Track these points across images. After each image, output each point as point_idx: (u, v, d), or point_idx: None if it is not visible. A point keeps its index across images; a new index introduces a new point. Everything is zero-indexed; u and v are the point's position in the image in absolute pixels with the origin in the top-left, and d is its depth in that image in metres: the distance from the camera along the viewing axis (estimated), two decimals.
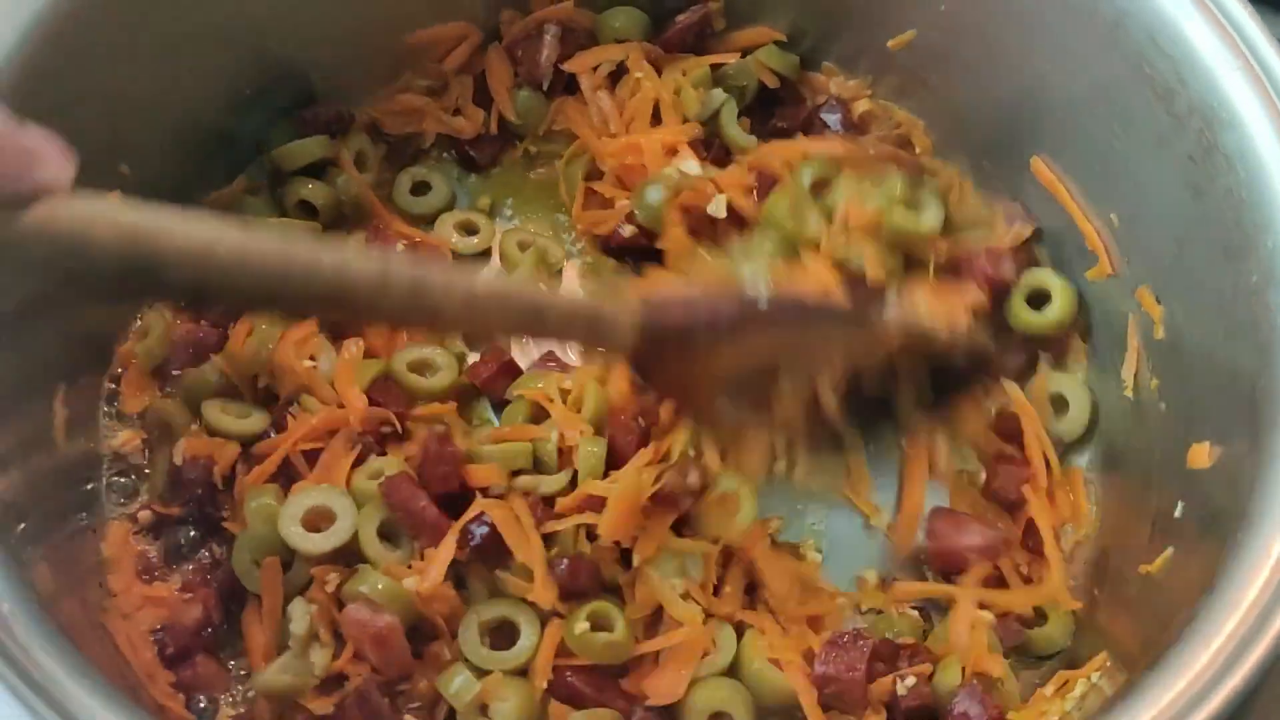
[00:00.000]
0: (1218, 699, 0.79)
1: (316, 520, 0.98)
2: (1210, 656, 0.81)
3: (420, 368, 1.09)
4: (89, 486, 1.04)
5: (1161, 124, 1.01)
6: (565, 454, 1.02)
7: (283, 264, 0.70)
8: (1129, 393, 1.10)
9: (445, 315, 0.78)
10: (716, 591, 1.01)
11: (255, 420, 1.06)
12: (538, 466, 1.02)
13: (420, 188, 1.23)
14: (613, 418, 1.03)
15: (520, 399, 1.06)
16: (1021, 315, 1.13)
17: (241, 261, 0.69)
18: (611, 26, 1.25)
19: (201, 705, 0.96)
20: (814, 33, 1.27)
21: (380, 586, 0.94)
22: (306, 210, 1.18)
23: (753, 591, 1.03)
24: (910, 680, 0.96)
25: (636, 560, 0.98)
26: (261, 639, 0.98)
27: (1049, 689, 0.96)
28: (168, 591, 1.00)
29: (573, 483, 1.00)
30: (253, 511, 0.99)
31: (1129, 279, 1.09)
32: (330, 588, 0.95)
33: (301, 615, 0.95)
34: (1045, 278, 1.14)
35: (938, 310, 0.96)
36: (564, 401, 1.04)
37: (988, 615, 1.02)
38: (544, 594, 0.95)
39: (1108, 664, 0.96)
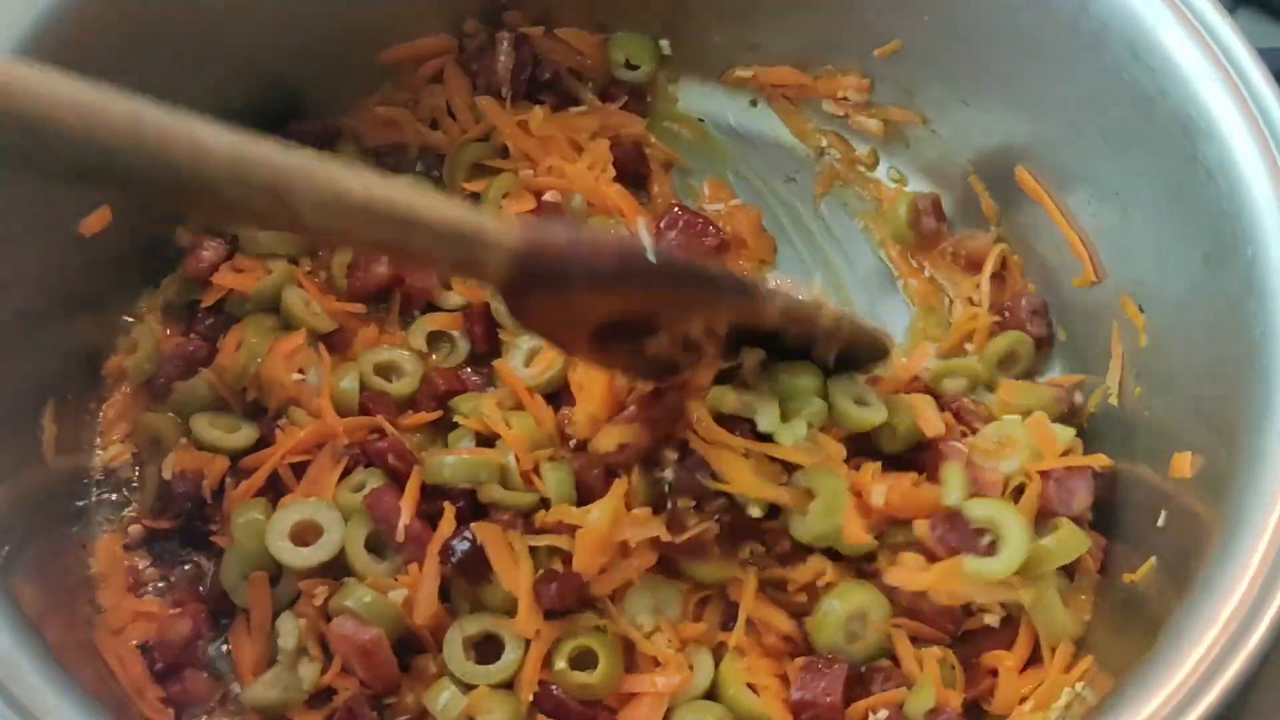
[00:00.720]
0: (1201, 708, 0.79)
1: (304, 534, 0.98)
2: (1192, 666, 0.81)
3: (386, 371, 1.09)
4: (79, 502, 1.05)
5: (1142, 133, 1.02)
6: (527, 475, 1.01)
7: (133, 130, 0.65)
8: (1114, 400, 1.10)
9: (306, 218, 0.71)
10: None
11: (244, 434, 1.06)
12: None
13: None
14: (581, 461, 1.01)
15: (462, 427, 1.05)
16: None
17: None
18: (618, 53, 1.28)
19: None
20: (805, 42, 1.28)
21: (367, 600, 0.95)
22: None
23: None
24: (882, 713, 0.95)
25: (599, 591, 0.97)
26: (250, 653, 0.98)
27: (1028, 705, 0.97)
28: (157, 606, 1.01)
29: (546, 503, 1.00)
30: (240, 527, 0.99)
31: (1113, 287, 1.10)
32: (318, 601, 0.96)
33: (290, 630, 0.96)
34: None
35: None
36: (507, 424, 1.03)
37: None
38: (527, 626, 0.94)
39: (1092, 672, 0.96)
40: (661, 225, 1.19)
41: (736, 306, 0.92)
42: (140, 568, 1.03)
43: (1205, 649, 0.81)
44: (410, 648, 0.98)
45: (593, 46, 1.29)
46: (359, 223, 0.74)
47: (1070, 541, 0.99)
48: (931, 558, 0.98)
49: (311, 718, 0.95)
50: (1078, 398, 1.12)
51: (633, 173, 1.25)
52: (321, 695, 0.96)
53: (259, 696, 0.95)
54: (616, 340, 0.90)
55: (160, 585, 1.02)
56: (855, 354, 1.02)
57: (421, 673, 0.97)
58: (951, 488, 0.99)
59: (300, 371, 1.08)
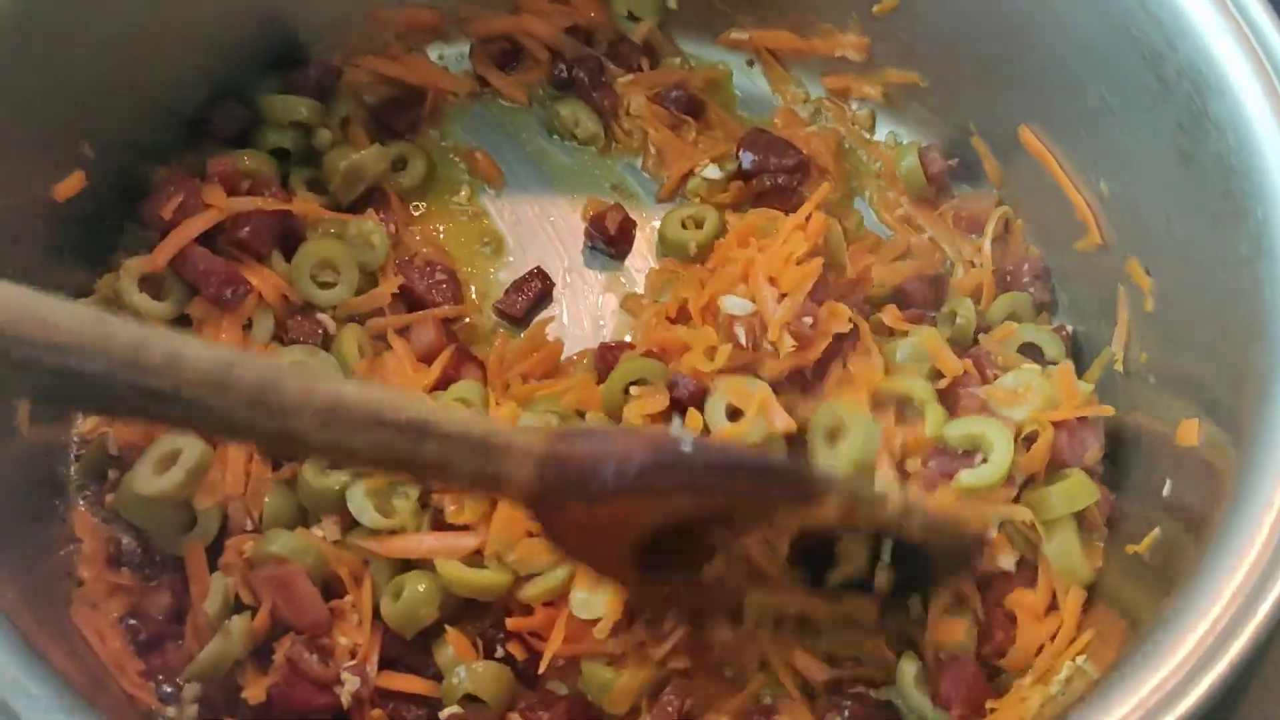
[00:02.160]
0: (1204, 683, 0.77)
1: (167, 465, 0.97)
2: (1197, 640, 0.79)
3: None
4: (56, 474, 1.03)
5: (1150, 89, 0.98)
6: None
7: (102, 346, 0.61)
8: (1119, 366, 1.07)
9: (299, 428, 0.66)
10: None
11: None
12: None
13: (398, 163, 1.21)
14: None
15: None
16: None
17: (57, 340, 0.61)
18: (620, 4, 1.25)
19: (167, 690, 0.95)
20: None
21: (290, 544, 0.96)
22: (280, 156, 1.16)
23: None
24: None
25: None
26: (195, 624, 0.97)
27: (1028, 679, 0.95)
28: (135, 578, 0.99)
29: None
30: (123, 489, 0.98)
31: (1118, 250, 1.07)
32: (246, 555, 0.96)
33: (218, 589, 0.96)
34: None
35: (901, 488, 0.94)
36: None
37: None
38: None
39: (1093, 646, 0.94)
40: (741, 147, 1.19)
41: (793, 503, 0.82)
42: (121, 539, 1.00)
43: (1210, 623, 0.79)
44: (333, 593, 0.97)
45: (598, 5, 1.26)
46: (367, 433, 0.68)
47: (1080, 489, 0.98)
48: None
49: (259, 680, 0.94)
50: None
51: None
52: (266, 654, 0.95)
53: (195, 665, 0.94)
54: (663, 567, 0.82)
55: (139, 556, 1.00)
56: (933, 557, 0.91)
57: (344, 612, 0.96)
58: (931, 423, 0.99)
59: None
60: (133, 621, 0.97)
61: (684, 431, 0.80)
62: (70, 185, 1.02)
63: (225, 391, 0.64)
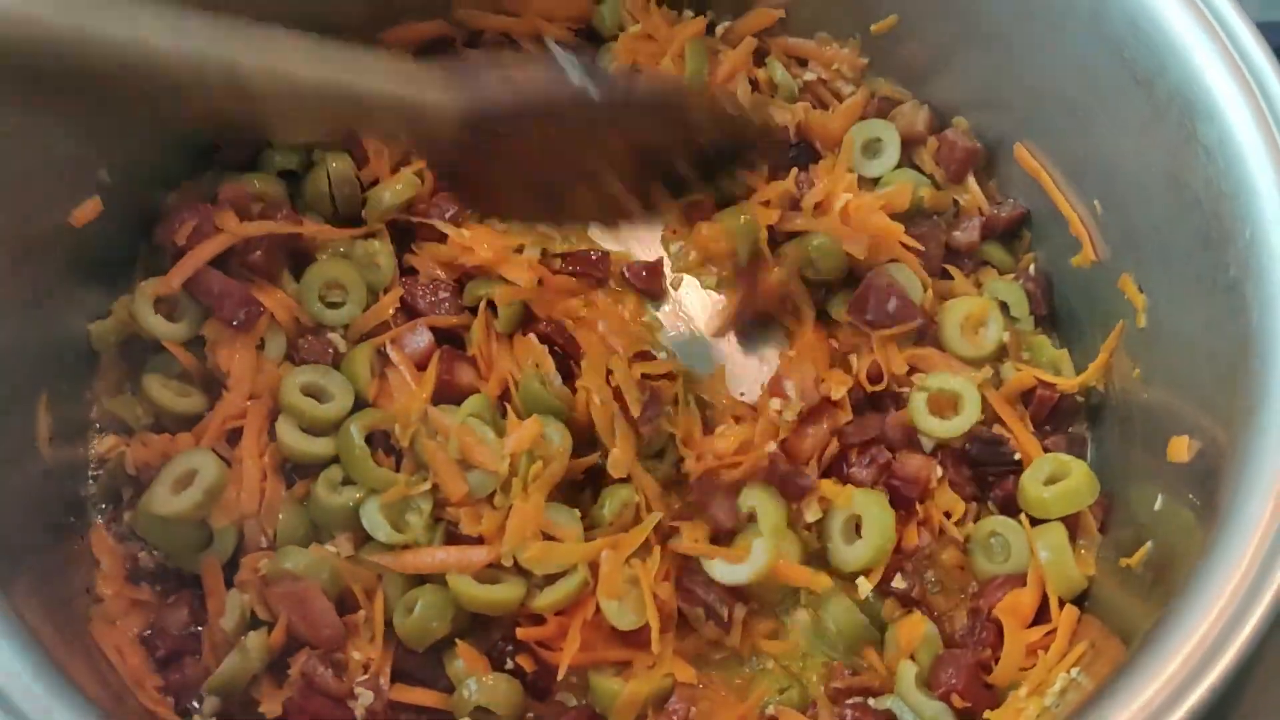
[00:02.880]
0: (1195, 695, 0.79)
1: (184, 485, 0.99)
2: (1189, 652, 0.80)
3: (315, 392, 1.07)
4: (75, 493, 1.05)
5: (1142, 112, 1.00)
6: None
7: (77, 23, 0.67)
8: (1113, 382, 1.09)
9: (258, 102, 0.74)
10: None
11: (194, 401, 1.07)
12: None
13: None
14: None
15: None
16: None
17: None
18: None
19: (185, 705, 0.97)
20: (807, 16, 1.26)
21: (303, 560, 0.97)
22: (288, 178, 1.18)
23: None
24: None
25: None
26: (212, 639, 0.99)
27: (1023, 690, 0.97)
28: (153, 594, 1.01)
29: None
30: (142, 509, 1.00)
31: (1112, 267, 1.09)
32: (261, 572, 0.98)
33: (235, 606, 0.98)
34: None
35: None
36: None
37: None
38: None
39: (1087, 658, 0.96)
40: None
41: (678, 120, 0.94)
42: (138, 555, 1.03)
43: (1201, 636, 0.80)
44: (347, 608, 0.99)
45: None
46: (311, 104, 0.77)
47: (1082, 486, 1.03)
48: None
49: (275, 694, 0.96)
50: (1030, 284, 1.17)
51: None
52: (281, 668, 0.97)
53: (213, 680, 0.96)
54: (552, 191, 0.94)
55: (157, 572, 1.02)
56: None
57: (356, 628, 0.98)
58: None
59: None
60: (150, 637, 0.99)
61: (566, 58, 0.88)
62: (88, 211, 1.04)
63: (202, 78, 0.72)
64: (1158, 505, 0.97)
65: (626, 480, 1.05)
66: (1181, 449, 0.95)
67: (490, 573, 0.99)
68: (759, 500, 1.04)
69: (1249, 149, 0.92)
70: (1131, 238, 1.06)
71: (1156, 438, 0.99)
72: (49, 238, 1.03)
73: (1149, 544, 0.96)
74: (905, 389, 1.11)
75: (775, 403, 1.08)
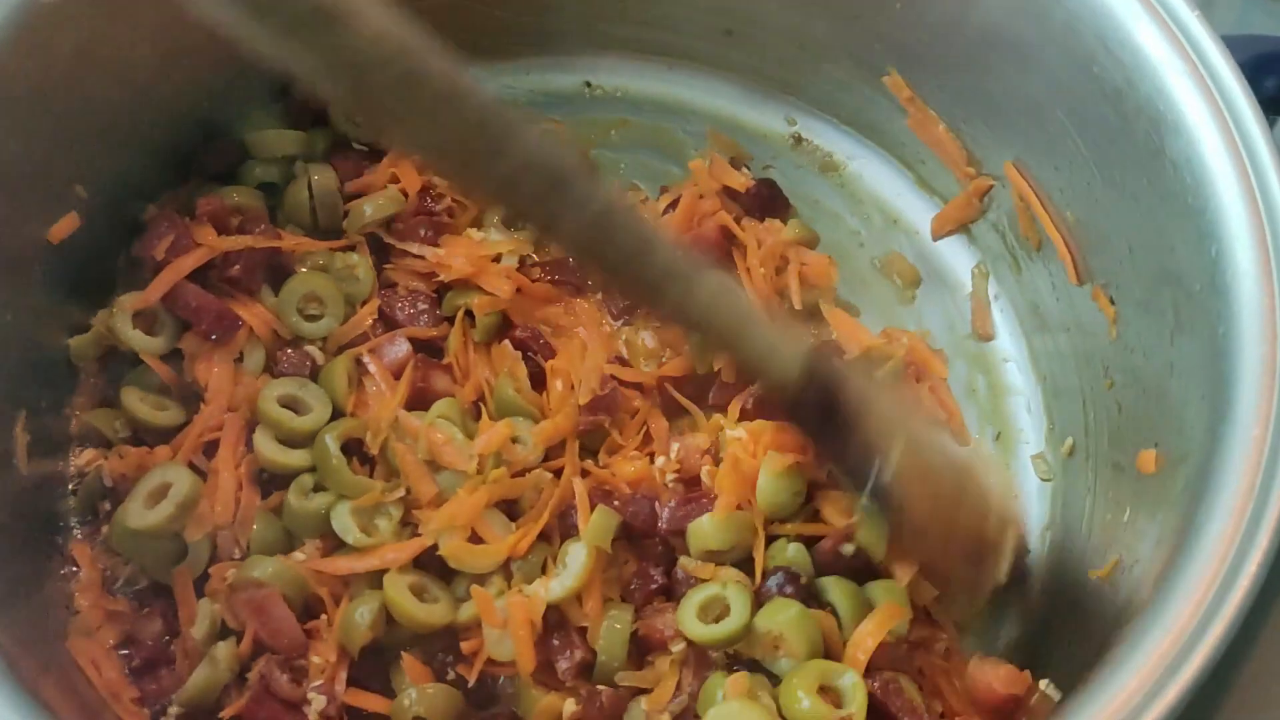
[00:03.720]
0: (1162, 703, 0.79)
1: (158, 499, 1.00)
2: (1156, 659, 0.80)
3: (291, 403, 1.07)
4: (53, 508, 1.05)
5: (1111, 125, 1.01)
6: None
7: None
8: (1087, 392, 1.10)
9: (566, 223, 0.82)
10: None
11: (171, 414, 1.07)
12: None
13: None
14: None
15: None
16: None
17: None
18: None
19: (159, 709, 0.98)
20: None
21: (269, 569, 0.98)
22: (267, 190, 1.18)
23: None
24: None
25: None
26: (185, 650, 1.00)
27: None
28: (128, 605, 1.02)
29: None
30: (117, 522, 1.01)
31: (1085, 279, 1.09)
32: (228, 581, 0.99)
33: (205, 614, 0.99)
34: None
35: None
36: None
37: None
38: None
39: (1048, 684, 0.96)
40: None
41: None
42: (115, 567, 1.03)
43: (1169, 643, 0.80)
44: (313, 615, 1.00)
45: None
46: (606, 238, 0.87)
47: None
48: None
49: (240, 700, 0.96)
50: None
51: None
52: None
53: (185, 692, 0.96)
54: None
55: (134, 583, 1.03)
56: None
57: (320, 632, 0.99)
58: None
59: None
60: (126, 650, 1.00)
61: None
62: (65, 226, 1.04)
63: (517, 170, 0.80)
64: (1126, 517, 0.98)
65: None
66: (1149, 461, 0.96)
67: (426, 593, 1.00)
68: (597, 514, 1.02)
69: (1215, 163, 0.92)
70: (1103, 250, 1.07)
71: (1127, 449, 1.00)
72: (28, 253, 1.03)
73: (1118, 555, 0.97)
74: None
75: (660, 460, 1.08)
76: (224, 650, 0.97)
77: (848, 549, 1.00)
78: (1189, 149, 0.94)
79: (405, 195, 1.17)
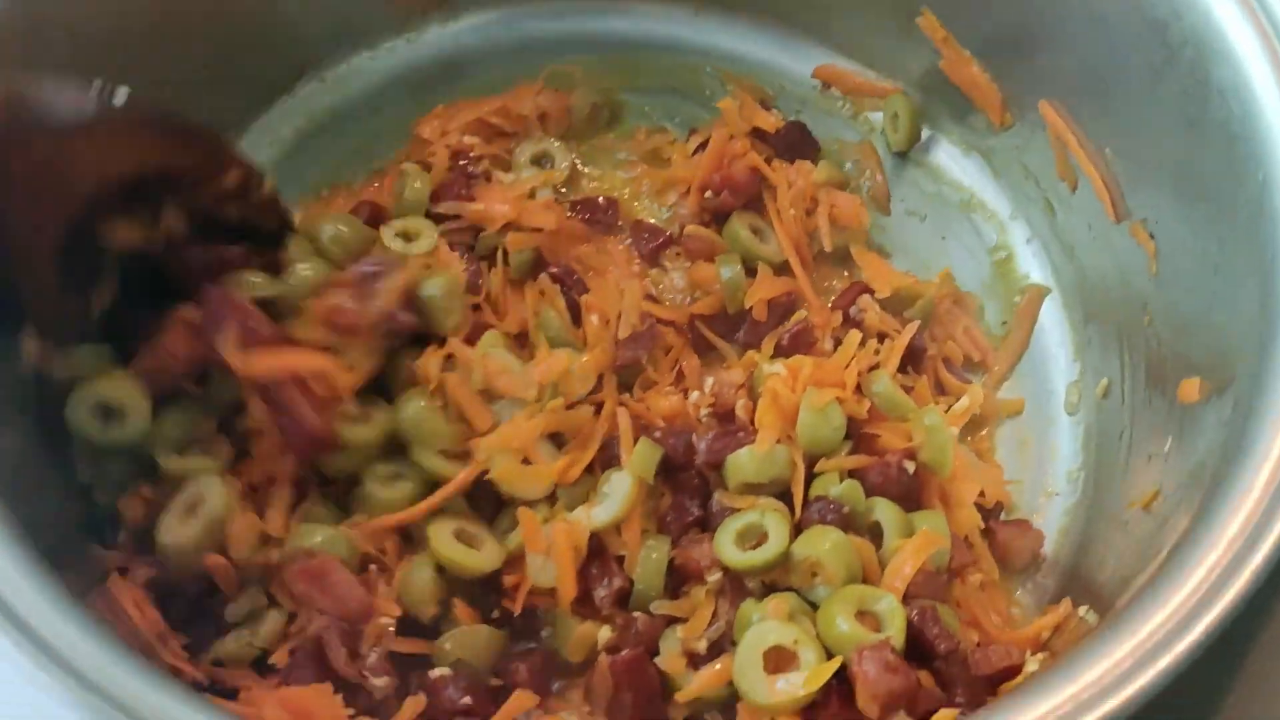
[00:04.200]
0: (1196, 631, 0.78)
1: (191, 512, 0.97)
2: (1191, 589, 0.80)
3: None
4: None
5: (1155, 56, 1.00)
6: None
7: None
8: (1124, 326, 1.10)
9: None
10: None
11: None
12: None
13: None
14: None
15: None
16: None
17: None
18: None
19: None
20: None
21: (318, 537, 0.96)
22: None
23: None
24: None
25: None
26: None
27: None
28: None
29: None
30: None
31: (1123, 216, 1.09)
32: (274, 559, 0.96)
33: (246, 600, 0.97)
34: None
35: None
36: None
37: None
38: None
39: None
40: None
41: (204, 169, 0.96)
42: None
43: (1205, 573, 0.80)
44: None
45: None
46: None
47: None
48: None
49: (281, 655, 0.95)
50: None
51: None
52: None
53: (219, 650, 0.95)
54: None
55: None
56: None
57: (374, 585, 0.97)
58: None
59: None
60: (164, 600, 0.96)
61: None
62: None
63: None
64: (1167, 448, 0.98)
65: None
66: (1193, 390, 0.96)
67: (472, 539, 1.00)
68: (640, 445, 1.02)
69: (1263, 91, 0.92)
70: (1143, 185, 1.06)
71: (1167, 379, 1.00)
72: None
73: (1158, 486, 0.97)
74: None
75: (694, 395, 1.08)
76: (270, 627, 0.95)
77: (909, 465, 1.00)
78: (1235, 76, 0.93)
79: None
